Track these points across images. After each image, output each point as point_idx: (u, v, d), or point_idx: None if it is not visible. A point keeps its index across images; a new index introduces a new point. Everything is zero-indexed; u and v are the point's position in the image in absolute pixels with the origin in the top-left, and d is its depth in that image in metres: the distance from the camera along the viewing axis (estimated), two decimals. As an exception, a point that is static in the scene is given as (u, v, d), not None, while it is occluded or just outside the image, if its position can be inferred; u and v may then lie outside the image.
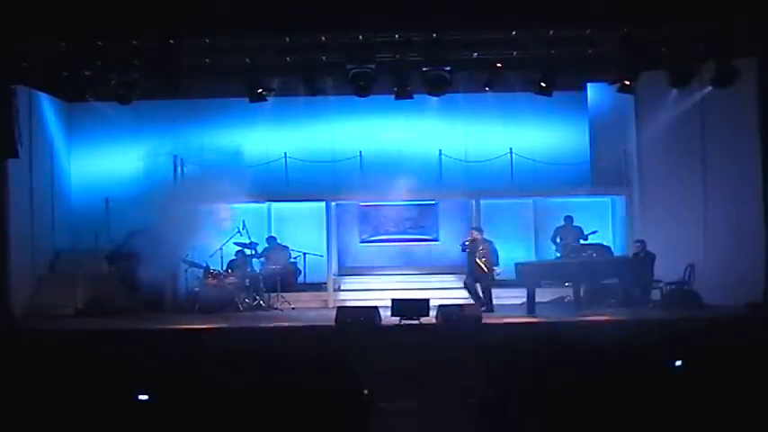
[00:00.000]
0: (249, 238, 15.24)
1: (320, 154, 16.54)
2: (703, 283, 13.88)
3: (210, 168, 14.63)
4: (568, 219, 15.33)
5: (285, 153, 16.22)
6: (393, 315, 12.48)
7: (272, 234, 15.91)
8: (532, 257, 16.04)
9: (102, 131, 16.08)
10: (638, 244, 14.50)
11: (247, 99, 13.74)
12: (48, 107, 15.60)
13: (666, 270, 14.03)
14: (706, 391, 6.53)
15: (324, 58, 13.19)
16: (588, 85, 15.96)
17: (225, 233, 15.20)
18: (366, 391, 7.42)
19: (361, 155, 16.23)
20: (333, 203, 15.98)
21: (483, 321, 12.12)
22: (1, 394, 6.64)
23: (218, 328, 12.59)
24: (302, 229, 16.23)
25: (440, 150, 16.15)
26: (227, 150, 14.88)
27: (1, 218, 13.59)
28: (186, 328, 12.61)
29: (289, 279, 15.34)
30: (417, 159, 15.92)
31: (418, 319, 12.38)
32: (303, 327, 12.65)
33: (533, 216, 16.55)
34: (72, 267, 14.94)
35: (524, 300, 13.56)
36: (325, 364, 7.34)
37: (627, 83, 13.17)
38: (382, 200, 16.39)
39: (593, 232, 15.19)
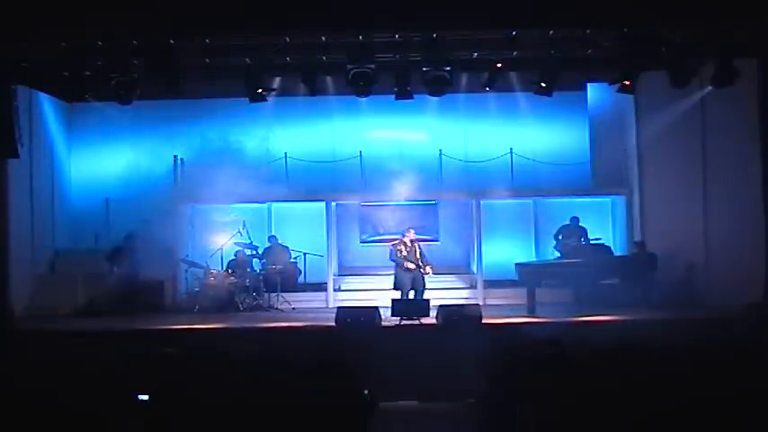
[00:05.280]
0: (249, 238, 15.25)
1: (320, 154, 16.53)
2: (704, 283, 13.89)
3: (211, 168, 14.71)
4: (574, 219, 15.34)
5: (285, 153, 16.22)
6: (393, 315, 12.48)
7: (273, 233, 15.90)
8: (532, 257, 16.05)
9: (102, 131, 16.07)
10: (637, 245, 14.50)
11: (247, 99, 13.73)
12: (48, 107, 15.59)
13: (666, 270, 14.04)
14: (706, 391, 6.53)
15: (324, 58, 13.18)
16: (588, 85, 15.94)
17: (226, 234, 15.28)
18: (366, 391, 7.42)
19: (361, 155, 16.23)
20: (333, 203, 15.97)
21: (483, 321, 12.11)
22: (1, 394, 6.64)
23: (218, 328, 12.59)
24: (302, 229, 16.23)
25: (440, 150, 16.16)
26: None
27: (1, 218, 13.60)
28: (186, 328, 12.61)
29: (289, 279, 15.34)
30: (417, 159, 15.90)
31: (418, 319, 12.38)
32: (303, 327, 12.64)
33: (533, 216, 16.56)
34: (72, 267, 14.93)
35: (524, 300, 13.57)
36: (325, 364, 7.33)
37: (627, 83, 13.15)
38: (382, 200, 16.38)
39: (597, 239, 15.15)
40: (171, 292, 15.02)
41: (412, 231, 14.05)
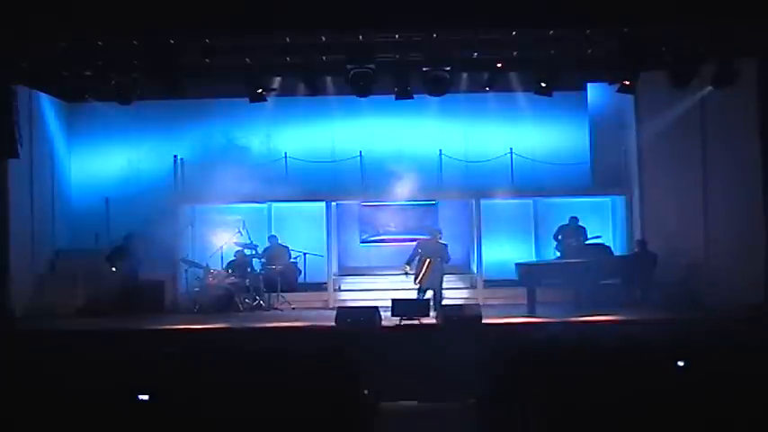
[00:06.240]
0: (249, 238, 15.25)
1: (320, 154, 16.53)
2: (704, 283, 13.88)
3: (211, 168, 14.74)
4: (573, 219, 15.34)
5: (285, 153, 16.22)
6: (393, 315, 12.48)
7: (273, 233, 15.90)
8: (532, 257, 16.05)
9: (102, 131, 16.09)
10: (639, 243, 14.49)
11: (247, 99, 13.74)
12: (48, 107, 15.59)
13: (666, 270, 14.04)
14: (706, 392, 6.53)
15: (324, 58, 13.18)
16: (588, 85, 15.95)
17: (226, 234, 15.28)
18: (366, 391, 7.42)
19: (361, 155, 16.22)
20: (333, 203, 15.97)
21: (483, 321, 12.11)
22: (1, 394, 6.64)
23: (218, 328, 12.59)
24: (302, 229, 16.22)
25: (440, 150, 16.14)
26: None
27: (1, 218, 13.61)
28: (186, 328, 12.61)
29: (289, 279, 15.34)
30: (417, 159, 15.89)
31: (418, 319, 12.38)
32: (303, 327, 12.64)
33: (533, 216, 16.56)
34: (72, 267, 14.92)
35: (524, 300, 13.57)
36: (326, 364, 7.34)
37: (627, 83, 13.16)
38: (382, 200, 16.39)
39: (597, 237, 15.15)
40: (171, 292, 15.01)
41: (439, 233, 14.16)
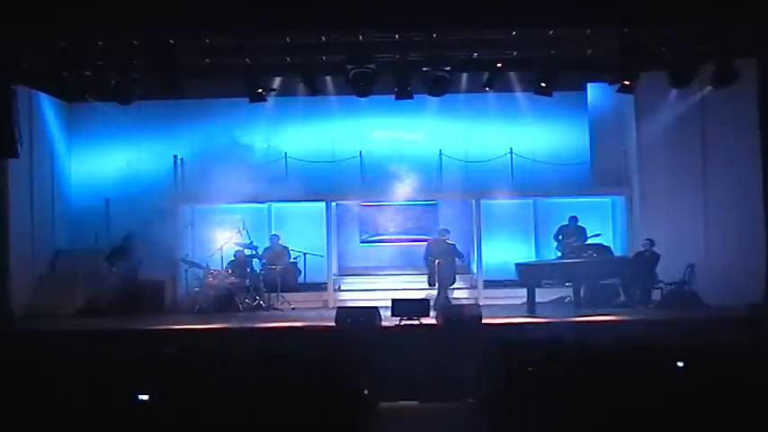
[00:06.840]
0: (249, 238, 15.25)
1: (320, 154, 16.53)
2: (704, 284, 13.89)
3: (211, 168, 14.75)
4: (573, 219, 15.34)
5: (285, 153, 16.22)
6: (393, 315, 12.47)
7: (275, 233, 15.89)
8: (532, 257, 16.05)
9: (102, 131, 16.08)
10: (647, 242, 14.45)
11: (247, 99, 13.75)
12: (48, 107, 15.59)
13: (667, 270, 14.05)
14: (706, 392, 6.53)
15: (324, 58, 13.19)
16: (588, 85, 15.95)
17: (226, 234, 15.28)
18: (366, 391, 7.43)
19: (361, 155, 16.22)
20: (333, 203, 15.96)
21: (483, 321, 12.11)
22: (1, 394, 6.64)
23: (218, 328, 12.59)
24: (302, 229, 16.22)
25: (440, 150, 16.14)
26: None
27: (1, 218, 13.61)
28: (186, 328, 12.61)
29: (289, 279, 15.34)
30: (417, 159, 15.90)
31: (418, 319, 12.38)
32: (303, 327, 12.63)
33: (533, 216, 16.57)
34: (72, 267, 14.94)
35: (524, 300, 13.57)
36: (325, 364, 7.34)
37: (627, 83, 13.17)
38: (382, 200, 16.39)
39: (597, 235, 15.16)
40: (171, 292, 15.02)
41: (446, 234, 14.23)
